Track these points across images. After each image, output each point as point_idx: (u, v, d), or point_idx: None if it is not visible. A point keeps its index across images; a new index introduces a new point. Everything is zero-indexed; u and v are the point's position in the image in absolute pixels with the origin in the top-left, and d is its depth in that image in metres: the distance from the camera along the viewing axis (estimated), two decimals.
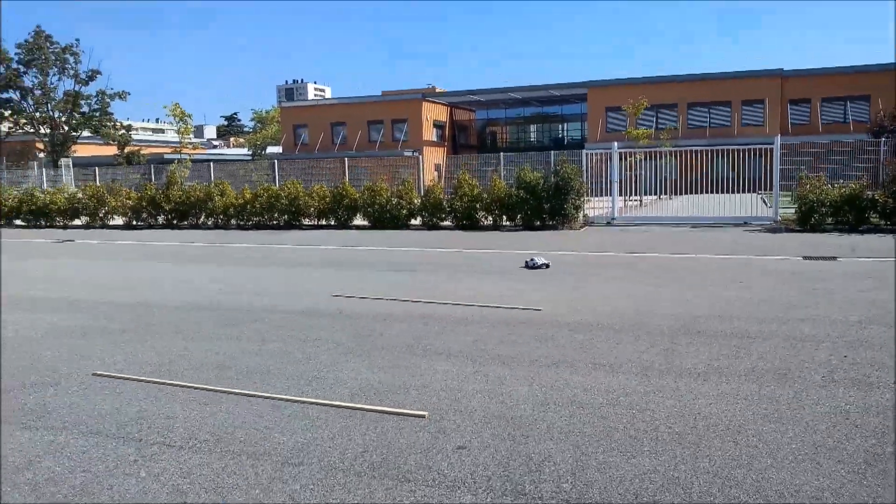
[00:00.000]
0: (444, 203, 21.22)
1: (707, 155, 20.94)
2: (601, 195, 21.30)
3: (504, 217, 20.79)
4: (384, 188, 21.91)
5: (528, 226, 20.07)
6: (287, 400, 5.12)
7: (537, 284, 10.14)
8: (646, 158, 22.13)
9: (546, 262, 11.78)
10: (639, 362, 5.90)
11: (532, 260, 11.91)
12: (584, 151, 21.81)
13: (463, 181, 21.00)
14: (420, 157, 31.28)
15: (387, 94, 60.67)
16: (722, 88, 46.17)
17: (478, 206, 20.73)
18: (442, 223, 21.34)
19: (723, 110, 46.59)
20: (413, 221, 21.85)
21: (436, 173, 32.71)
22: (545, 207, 19.80)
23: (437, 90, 61.96)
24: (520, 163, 22.85)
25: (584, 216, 20.53)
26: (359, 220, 22.50)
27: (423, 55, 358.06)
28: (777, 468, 3.82)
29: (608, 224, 20.28)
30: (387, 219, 21.53)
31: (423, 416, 4.71)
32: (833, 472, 3.75)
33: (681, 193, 22.15)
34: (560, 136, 58.10)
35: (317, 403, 5.02)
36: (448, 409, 4.85)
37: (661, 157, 21.79)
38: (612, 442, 4.22)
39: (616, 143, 21.21)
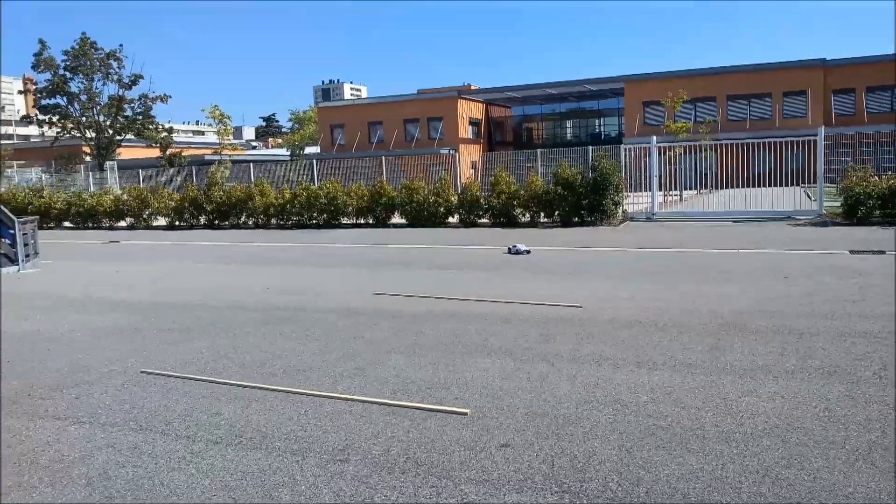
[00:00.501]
0: (481, 200, 21.19)
1: (748, 148, 20.55)
2: (640, 190, 21.06)
3: (542, 214, 20.68)
4: (421, 186, 21.97)
5: (566, 222, 19.93)
6: (330, 397, 5.16)
7: (577, 281, 10.08)
8: (685, 152, 21.81)
9: (528, 248, 12.73)
10: (683, 360, 5.82)
11: (515, 247, 12.90)
12: (623, 146, 21.58)
13: (500, 178, 20.95)
14: (456, 154, 31.32)
15: (423, 92, 60.81)
16: (762, 80, 45.24)
17: (515, 203, 20.66)
18: (479, 220, 21.32)
19: (763, 102, 45.65)
20: (450, 219, 21.87)
21: (472, 171, 32.67)
22: (583, 203, 19.64)
23: (473, 87, 61.90)
24: (557, 159, 22.71)
25: (624, 212, 20.32)
26: (396, 219, 22.60)
27: (459, 53, 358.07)
28: (829, 469, 3.73)
29: (648, 219, 20.04)
30: (424, 217, 21.59)
31: (465, 414, 4.71)
32: (890, 473, 3.66)
33: (722, 188, 21.77)
34: (597, 131, 57.53)
35: (360, 401, 5.05)
36: (490, 407, 4.84)
37: (700, 151, 21.45)
38: (657, 440, 4.17)
39: (655, 138, 20.93)
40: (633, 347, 6.27)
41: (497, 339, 6.78)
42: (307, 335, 7.22)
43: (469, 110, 54.41)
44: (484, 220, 21.33)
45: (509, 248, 13.01)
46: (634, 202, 21.02)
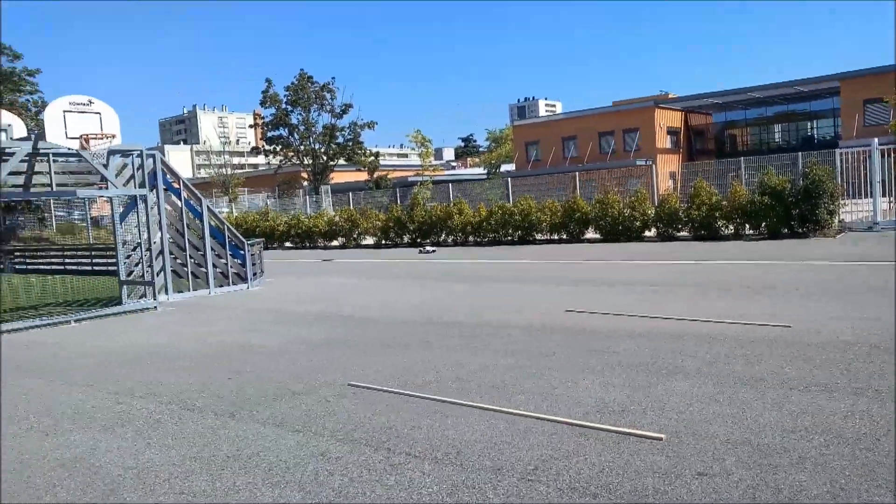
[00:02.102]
0: (680, 213, 20.36)
1: None
2: (859, 198, 19.11)
3: (746, 225, 19.45)
4: (616, 200, 21.57)
5: (774, 234, 18.57)
6: (523, 415, 5.25)
7: (784, 298, 9.37)
8: None
9: (433, 248, 11.83)
10: None
11: (424, 248, 12.04)
12: (839, 150, 19.74)
13: (700, 188, 20.03)
14: (653, 165, 30.32)
15: (617, 104, 59.65)
16: None
17: (717, 214, 19.64)
18: (678, 234, 20.49)
19: None
20: (647, 233, 21.22)
21: (670, 182, 31.46)
22: (793, 214, 18.21)
23: (670, 96, 59.67)
24: (763, 166, 21.26)
25: (840, 221, 18.57)
26: (590, 234, 22.35)
27: (654, 63, 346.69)
28: None
29: (869, 230, 18.13)
30: (619, 231, 21.15)
31: (660, 439, 4.59)
32: None
33: None
34: (809, 134, 52.97)
35: (552, 420, 5.09)
36: (686, 433, 4.67)
37: None
38: (876, 478, 3.79)
39: (877, 139, 18.95)
40: (849, 372, 5.73)
41: (695, 360, 6.50)
42: (501, 351, 7.39)
43: (666, 119, 52.48)
44: (683, 234, 20.46)
45: (419, 250, 11.51)
46: (853, 211, 19.12)
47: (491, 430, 4.98)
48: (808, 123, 53.75)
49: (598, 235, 21.95)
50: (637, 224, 21.03)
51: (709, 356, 6.60)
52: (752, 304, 9.22)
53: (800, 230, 18.25)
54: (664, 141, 51.81)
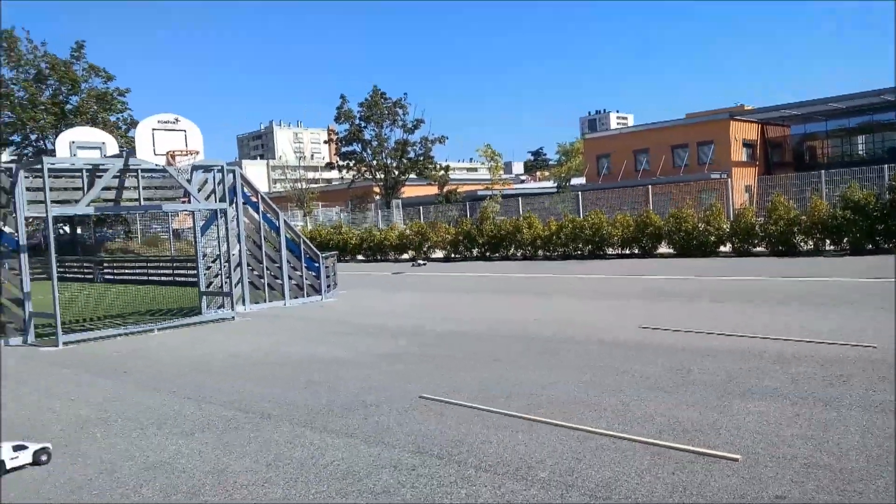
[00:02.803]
0: (757, 227, 19.78)
1: None
2: None
3: (827, 241, 18.73)
4: (690, 214, 21.12)
5: (857, 250, 17.83)
6: (594, 432, 5.22)
7: (870, 317, 8.99)
8: None
9: (423, 261, 10.91)
10: None
11: (416, 262, 11.16)
12: None
13: (777, 202, 19.43)
14: (728, 179, 29.58)
15: (691, 116, 58.35)
16: None
17: (795, 229, 19.00)
18: (754, 249, 19.90)
19: None
20: (722, 248, 20.69)
21: (746, 195, 30.59)
22: (878, 229, 17.45)
23: (746, 108, 58.03)
24: (845, 179, 20.46)
25: None
26: (663, 248, 21.93)
27: (730, 74, 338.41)
28: None
29: None
30: (693, 246, 20.69)
31: (735, 460, 4.49)
32: None
33: None
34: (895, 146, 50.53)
35: (624, 438, 5.04)
36: (763, 454, 4.55)
37: None
38: None
39: None
40: None
41: (774, 379, 6.32)
42: (573, 367, 7.35)
43: (742, 132, 51.02)
44: (759, 249, 19.86)
45: (412, 264, 10.02)
46: None
47: (562, 447, 4.97)
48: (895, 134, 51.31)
49: (671, 250, 21.51)
50: (712, 239, 20.53)
51: (788, 376, 6.41)
52: (834, 322, 8.88)
53: (886, 246, 17.46)
54: (740, 154, 50.38)
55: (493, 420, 5.72)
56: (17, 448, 5.21)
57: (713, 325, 9.06)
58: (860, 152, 52.55)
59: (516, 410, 5.90)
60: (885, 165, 19.86)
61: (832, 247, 18.74)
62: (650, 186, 27.12)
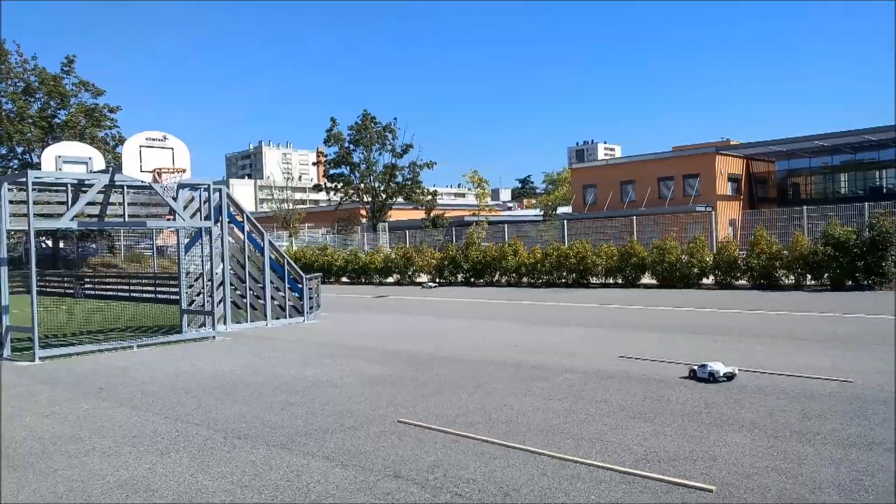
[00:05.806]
0: (739, 261, 19.98)
1: None
2: None
3: (808, 276, 18.95)
4: (674, 246, 21.31)
5: (837, 286, 18.04)
6: (571, 460, 5.22)
7: (849, 352, 9.09)
8: None
9: (731, 370, 7.70)
10: None
11: (704, 367, 7.76)
12: None
13: (760, 237, 19.68)
14: (713, 212, 29.88)
15: (677, 149, 59.07)
16: None
17: (777, 263, 19.21)
18: (736, 282, 20.08)
19: None
20: (704, 280, 20.86)
21: (730, 229, 30.92)
22: (858, 265, 17.67)
23: (732, 142, 58.86)
24: (826, 215, 20.76)
25: None
26: (646, 279, 22.06)
27: (716, 108, 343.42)
28: None
29: None
30: (676, 277, 20.85)
31: (710, 491, 4.51)
32: None
33: None
34: (877, 184, 51.32)
35: (600, 466, 5.05)
36: (738, 486, 4.58)
37: None
38: None
39: None
40: None
41: (751, 412, 6.37)
42: (553, 395, 7.36)
43: (728, 166, 51.68)
44: (742, 282, 20.04)
45: (693, 373, 7.87)
46: None
47: (539, 474, 4.97)
48: (877, 173, 52.15)
49: (654, 281, 21.66)
50: (695, 271, 20.71)
51: (764, 408, 6.45)
52: (810, 356, 8.97)
53: (865, 282, 17.69)
54: (725, 188, 50.97)
55: (472, 446, 5.71)
56: None
57: (692, 356, 9.11)
58: (842, 190, 53.34)
59: (495, 437, 5.89)
60: (866, 203, 20.18)
61: (813, 282, 18.95)
62: (635, 217, 27.35)
